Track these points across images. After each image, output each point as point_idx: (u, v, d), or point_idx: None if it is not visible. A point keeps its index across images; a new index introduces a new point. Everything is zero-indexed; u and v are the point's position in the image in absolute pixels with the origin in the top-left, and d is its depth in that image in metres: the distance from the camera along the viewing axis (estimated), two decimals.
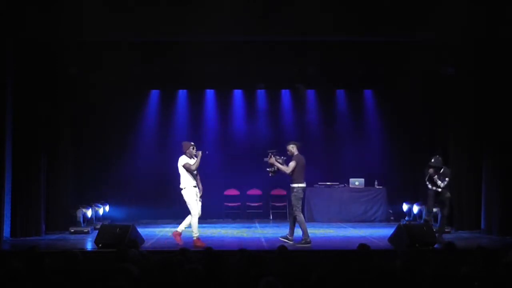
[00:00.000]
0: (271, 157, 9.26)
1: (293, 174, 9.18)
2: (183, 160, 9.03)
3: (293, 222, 9.26)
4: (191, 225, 8.95)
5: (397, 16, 9.65)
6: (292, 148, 9.36)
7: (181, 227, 9.06)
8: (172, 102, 13.67)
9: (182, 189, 9.02)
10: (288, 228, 9.35)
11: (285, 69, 12.20)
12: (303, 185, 9.27)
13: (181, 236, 9.02)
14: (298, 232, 9.29)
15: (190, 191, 8.99)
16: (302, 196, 9.27)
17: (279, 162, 9.24)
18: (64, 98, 11.06)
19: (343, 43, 11.10)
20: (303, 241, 9.01)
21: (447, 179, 9.41)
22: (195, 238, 8.92)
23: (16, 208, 10.04)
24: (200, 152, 9.04)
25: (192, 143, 9.18)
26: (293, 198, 9.22)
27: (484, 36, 10.04)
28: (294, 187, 9.20)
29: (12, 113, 10.06)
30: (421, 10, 9.54)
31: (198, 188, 9.07)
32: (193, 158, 9.06)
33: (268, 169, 9.35)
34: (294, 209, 9.19)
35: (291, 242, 9.08)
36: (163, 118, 13.63)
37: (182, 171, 9.01)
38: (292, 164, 9.18)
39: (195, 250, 6.03)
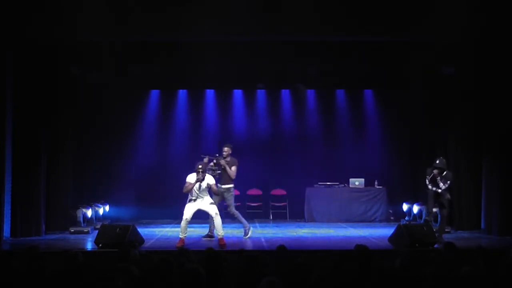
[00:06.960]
0: (220, 159, 9.87)
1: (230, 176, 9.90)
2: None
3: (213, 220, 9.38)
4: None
5: (397, 16, 9.65)
6: (229, 150, 10.01)
7: (221, 232, 8.89)
8: (172, 102, 13.67)
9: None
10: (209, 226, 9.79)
11: (285, 69, 12.19)
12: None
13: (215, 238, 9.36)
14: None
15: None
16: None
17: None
18: (64, 98, 11.04)
19: (343, 43, 11.09)
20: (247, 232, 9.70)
21: (448, 182, 9.44)
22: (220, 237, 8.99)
23: (16, 208, 10.02)
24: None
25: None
26: (229, 197, 9.92)
27: (484, 36, 10.04)
28: (230, 188, 9.95)
29: (12, 113, 10.05)
30: (421, 10, 9.53)
31: None
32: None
33: (212, 172, 9.66)
34: (230, 208, 9.91)
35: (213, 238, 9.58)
36: (163, 118, 13.64)
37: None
38: (234, 168, 9.94)
39: (195, 250, 6.01)
